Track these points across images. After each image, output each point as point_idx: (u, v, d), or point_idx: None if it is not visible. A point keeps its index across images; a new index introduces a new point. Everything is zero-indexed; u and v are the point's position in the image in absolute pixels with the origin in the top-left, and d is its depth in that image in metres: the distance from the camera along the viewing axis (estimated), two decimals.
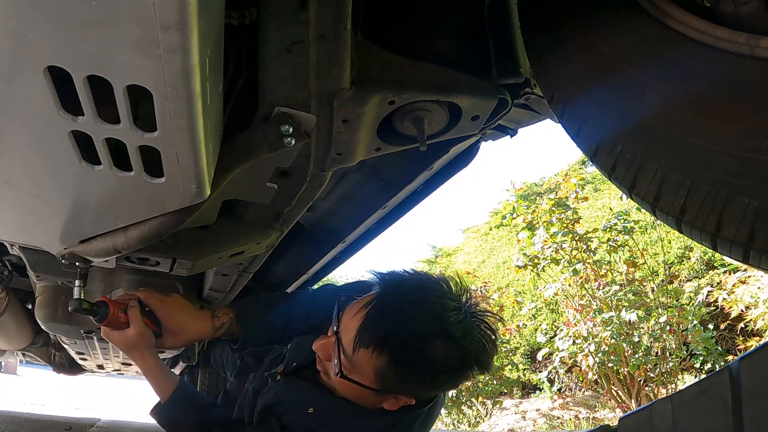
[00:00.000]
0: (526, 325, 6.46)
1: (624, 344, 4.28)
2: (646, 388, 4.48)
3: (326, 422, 1.08)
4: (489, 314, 1.03)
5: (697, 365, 4.67)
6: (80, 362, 2.66)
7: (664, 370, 4.38)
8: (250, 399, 1.24)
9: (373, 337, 0.96)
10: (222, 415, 1.24)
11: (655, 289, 4.65)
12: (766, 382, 0.74)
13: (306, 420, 1.08)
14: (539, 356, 5.27)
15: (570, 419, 5.25)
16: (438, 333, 0.96)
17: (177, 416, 1.19)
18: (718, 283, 4.60)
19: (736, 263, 4.14)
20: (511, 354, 6.48)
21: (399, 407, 1.06)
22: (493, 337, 1.02)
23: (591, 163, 0.91)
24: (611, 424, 1.22)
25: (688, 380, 4.62)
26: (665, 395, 1.59)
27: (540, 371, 6.14)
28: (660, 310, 4.42)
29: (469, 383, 5.68)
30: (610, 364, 4.37)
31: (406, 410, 1.07)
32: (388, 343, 0.95)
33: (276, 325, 1.27)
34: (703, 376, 3.29)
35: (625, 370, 4.37)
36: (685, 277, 5.22)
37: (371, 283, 1.14)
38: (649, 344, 4.42)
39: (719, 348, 4.49)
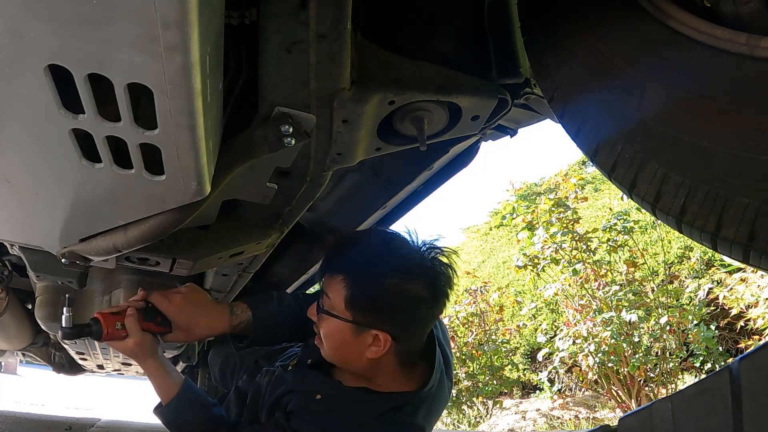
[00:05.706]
0: (526, 325, 6.45)
1: (624, 344, 4.27)
2: (646, 388, 4.47)
3: (333, 408, 1.10)
4: (448, 249, 1.11)
5: (697, 365, 4.66)
6: (80, 362, 2.66)
7: (664, 370, 4.38)
8: (262, 392, 1.25)
9: (338, 263, 1.06)
10: (225, 415, 1.24)
11: (655, 289, 4.65)
12: (766, 382, 0.74)
13: (313, 406, 1.11)
14: (539, 356, 5.26)
15: (570, 419, 5.25)
16: (397, 264, 1.04)
17: (182, 416, 1.19)
18: (718, 283, 4.59)
19: (736, 263, 4.13)
20: (511, 354, 6.45)
21: (396, 382, 1.09)
22: (452, 268, 1.10)
23: (591, 163, 0.91)
24: (611, 424, 1.22)
25: (688, 380, 4.61)
26: (665, 395, 1.59)
27: (540, 371, 6.12)
28: (660, 310, 4.41)
29: (469, 383, 5.69)
30: (610, 364, 4.36)
31: (412, 395, 1.09)
32: (351, 269, 1.04)
33: (286, 328, 1.27)
34: (703, 376, 3.29)
35: (625, 370, 4.36)
36: (685, 276, 5.21)
37: None
38: (649, 344, 4.41)
39: (719, 348, 4.48)
